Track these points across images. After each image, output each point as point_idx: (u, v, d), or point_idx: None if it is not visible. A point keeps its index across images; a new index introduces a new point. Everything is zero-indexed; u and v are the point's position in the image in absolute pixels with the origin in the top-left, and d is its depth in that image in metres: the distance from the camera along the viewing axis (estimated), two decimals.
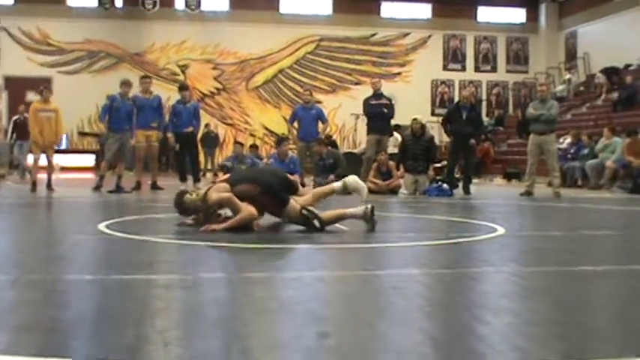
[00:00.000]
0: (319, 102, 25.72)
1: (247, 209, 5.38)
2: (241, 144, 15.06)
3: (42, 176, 11.46)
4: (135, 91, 12.16)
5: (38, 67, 24.71)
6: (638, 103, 19.11)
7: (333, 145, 16.83)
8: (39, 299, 2.98)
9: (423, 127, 12.20)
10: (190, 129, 12.20)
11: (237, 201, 5.41)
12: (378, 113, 12.48)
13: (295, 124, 13.18)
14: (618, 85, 20.30)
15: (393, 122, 13.25)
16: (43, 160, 11.47)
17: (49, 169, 11.43)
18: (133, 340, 2.28)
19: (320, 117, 13.05)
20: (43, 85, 11.96)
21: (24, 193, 10.80)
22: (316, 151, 12.87)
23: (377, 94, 12.77)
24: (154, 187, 12.13)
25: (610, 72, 22.53)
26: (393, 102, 12.73)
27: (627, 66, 23.01)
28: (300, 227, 5.66)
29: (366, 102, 12.80)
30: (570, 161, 15.66)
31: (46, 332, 2.37)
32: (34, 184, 11.07)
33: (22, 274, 3.57)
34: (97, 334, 2.37)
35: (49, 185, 11.04)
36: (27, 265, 3.96)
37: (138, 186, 11.71)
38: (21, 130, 16.32)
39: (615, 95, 20.37)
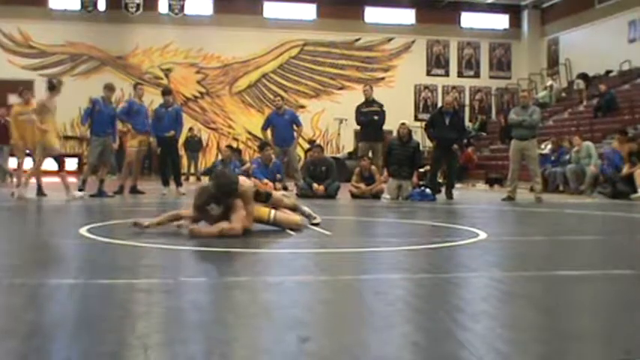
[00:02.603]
0: (303, 107, 25.83)
1: (241, 223, 5.40)
2: (232, 148, 15.05)
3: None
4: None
5: (19, 69, 24.52)
6: (618, 109, 19.30)
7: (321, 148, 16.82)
8: (19, 303, 2.95)
9: (409, 132, 12.23)
10: (172, 133, 12.19)
11: (254, 207, 5.61)
12: (370, 121, 12.54)
13: (269, 131, 13.14)
14: (599, 91, 20.49)
15: None
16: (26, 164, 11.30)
17: (38, 173, 11.13)
18: (114, 344, 2.27)
19: (294, 121, 13.05)
20: (22, 87, 11.69)
21: (4, 197, 10.68)
22: (314, 156, 12.86)
23: (368, 101, 12.80)
24: (134, 191, 12.09)
25: (587, 77, 22.79)
26: (385, 109, 12.76)
27: (608, 72, 23.26)
28: (281, 232, 5.72)
29: (357, 109, 12.86)
30: (552, 166, 15.78)
31: (26, 337, 2.35)
32: (18, 187, 10.81)
33: (2, 278, 3.54)
34: (77, 339, 2.35)
35: (39, 190, 10.78)
36: (7, 269, 3.92)
37: (121, 190, 11.65)
38: (1, 133, 16.16)
39: (595, 102, 20.57)
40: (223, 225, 5.30)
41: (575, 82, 23.64)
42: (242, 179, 5.65)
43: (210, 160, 23.46)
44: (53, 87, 10.28)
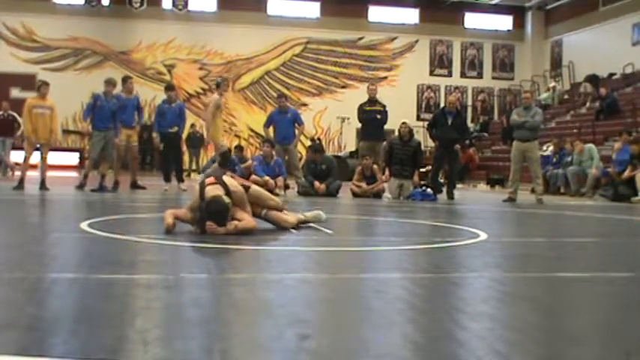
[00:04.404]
0: (305, 105, 25.83)
1: (253, 221, 5.42)
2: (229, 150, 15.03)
3: (29, 174, 11.29)
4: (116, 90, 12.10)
5: (22, 63, 24.56)
6: (621, 111, 19.29)
7: (320, 148, 16.82)
8: (19, 297, 2.96)
9: (410, 131, 12.20)
10: (175, 129, 12.20)
11: (249, 208, 5.54)
12: (372, 120, 12.51)
13: (271, 128, 13.12)
14: (602, 94, 20.48)
15: None
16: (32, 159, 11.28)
17: (43, 167, 11.10)
18: (113, 339, 2.27)
19: (296, 120, 13.04)
20: (40, 81, 11.67)
21: (5, 191, 10.69)
22: (313, 158, 12.85)
23: (372, 100, 12.76)
24: (134, 186, 12.09)
25: (595, 80, 22.78)
26: (387, 109, 12.73)
27: (611, 75, 23.24)
28: (282, 230, 5.72)
29: (360, 108, 12.82)
30: (553, 168, 15.79)
31: (26, 331, 2.35)
32: (21, 181, 10.84)
33: (2, 271, 3.54)
34: (76, 333, 2.35)
35: (42, 184, 10.78)
36: (7, 262, 3.93)
37: (116, 185, 11.63)
38: (3, 126, 16.17)
39: (597, 104, 20.57)
40: (236, 222, 5.28)
41: (582, 85, 23.60)
42: (231, 183, 5.48)
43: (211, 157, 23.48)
44: (218, 85, 11.65)
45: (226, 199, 5.26)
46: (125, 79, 12.53)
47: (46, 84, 11.33)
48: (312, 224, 6.16)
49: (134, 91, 12.59)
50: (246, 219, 5.34)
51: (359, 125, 13.96)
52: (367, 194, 11.95)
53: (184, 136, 14.80)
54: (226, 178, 5.55)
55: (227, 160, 11.40)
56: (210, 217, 5.17)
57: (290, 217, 5.96)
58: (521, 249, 5.44)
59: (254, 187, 5.87)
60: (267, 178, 11.74)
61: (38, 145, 11.12)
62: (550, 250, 5.43)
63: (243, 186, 5.65)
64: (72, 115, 23.86)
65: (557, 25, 27.14)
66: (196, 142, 21.80)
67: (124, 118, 11.87)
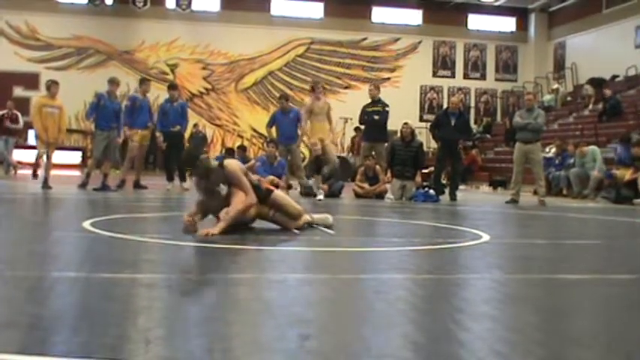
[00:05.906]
0: None
1: (250, 196, 5.39)
2: (232, 150, 15.04)
3: (29, 172, 11.30)
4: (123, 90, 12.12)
5: (25, 62, 24.57)
6: (623, 114, 19.27)
7: None
8: (21, 296, 2.96)
9: (412, 132, 12.18)
10: (177, 128, 12.20)
11: (247, 182, 5.47)
12: (371, 120, 12.51)
13: (274, 128, 13.09)
14: (607, 95, 20.45)
15: None
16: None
17: (47, 166, 11.16)
18: (115, 338, 2.27)
19: (299, 120, 13.02)
20: (50, 81, 11.63)
21: (8, 189, 10.70)
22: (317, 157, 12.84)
23: (374, 101, 12.76)
24: (137, 186, 12.10)
25: (597, 82, 22.74)
26: (388, 109, 12.70)
27: (614, 77, 23.21)
28: (285, 230, 5.72)
29: (362, 109, 12.83)
30: (555, 170, 15.77)
31: (27, 329, 2.35)
32: (45, 181, 10.87)
33: (4, 270, 3.54)
34: (78, 332, 2.36)
35: (45, 183, 10.81)
36: (9, 261, 3.93)
37: (122, 184, 11.65)
38: (5, 125, 16.18)
39: (600, 106, 20.54)
40: (226, 209, 5.27)
41: (584, 87, 23.57)
42: (227, 161, 5.54)
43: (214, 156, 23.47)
44: (313, 89, 12.08)
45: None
46: (145, 81, 12.62)
47: (55, 83, 11.33)
48: (314, 225, 6.16)
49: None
50: (236, 200, 5.31)
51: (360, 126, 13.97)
52: (370, 195, 11.95)
53: (187, 135, 14.82)
54: (226, 161, 5.57)
55: (320, 165, 11.51)
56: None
57: (299, 221, 5.91)
58: (523, 250, 5.44)
59: (277, 193, 5.86)
60: (271, 177, 11.75)
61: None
62: (552, 251, 5.42)
63: (267, 189, 5.67)
64: (75, 114, 23.83)
65: (561, 27, 27.11)
66: (199, 142, 21.78)
67: (143, 119, 11.95)
